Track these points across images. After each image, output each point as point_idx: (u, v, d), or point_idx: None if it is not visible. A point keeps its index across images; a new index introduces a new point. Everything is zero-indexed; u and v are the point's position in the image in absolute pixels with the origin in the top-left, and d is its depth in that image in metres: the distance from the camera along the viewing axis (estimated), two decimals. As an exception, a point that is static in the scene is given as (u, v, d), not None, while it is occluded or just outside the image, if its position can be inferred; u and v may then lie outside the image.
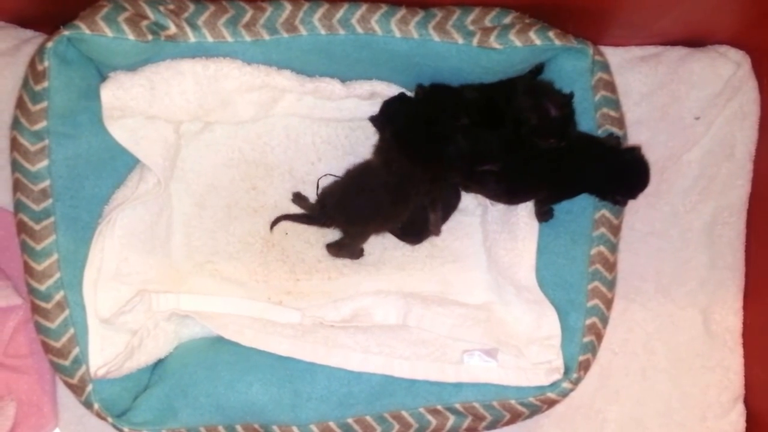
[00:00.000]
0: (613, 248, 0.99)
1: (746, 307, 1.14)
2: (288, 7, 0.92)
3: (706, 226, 1.13)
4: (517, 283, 1.02)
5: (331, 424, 0.96)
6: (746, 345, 1.13)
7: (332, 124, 1.07)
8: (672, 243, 1.13)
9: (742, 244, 1.14)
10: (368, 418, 0.97)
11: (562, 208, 1.00)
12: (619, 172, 0.96)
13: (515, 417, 0.98)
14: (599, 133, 0.98)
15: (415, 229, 1.05)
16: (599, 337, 0.98)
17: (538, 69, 0.99)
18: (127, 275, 0.97)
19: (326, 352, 0.98)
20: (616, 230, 0.99)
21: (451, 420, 0.98)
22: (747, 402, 1.14)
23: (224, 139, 1.06)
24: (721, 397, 1.12)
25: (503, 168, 0.96)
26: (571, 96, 0.94)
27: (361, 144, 1.07)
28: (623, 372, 1.12)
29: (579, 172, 0.96)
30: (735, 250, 1.13)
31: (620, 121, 0.99)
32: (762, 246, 1.12)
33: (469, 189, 1.04)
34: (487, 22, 0.95)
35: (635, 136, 1.10)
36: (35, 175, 0.88)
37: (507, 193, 0.99)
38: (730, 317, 1.13)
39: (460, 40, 0.93)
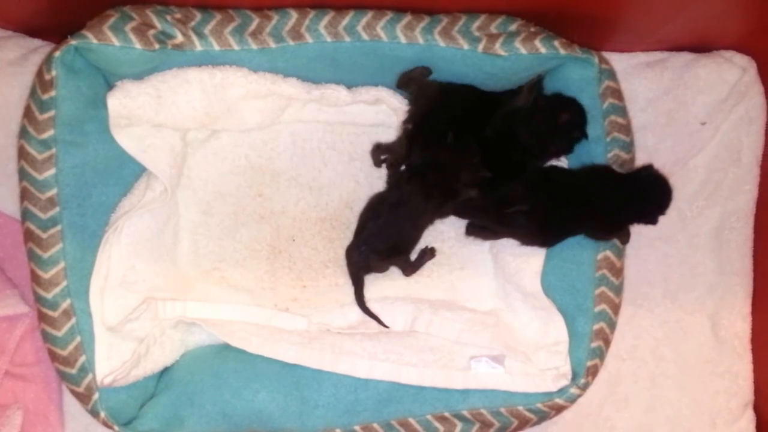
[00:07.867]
0: (620, 253, 0.99)
1: (755, 313, 1.13)
2: (294, 15, 0.93)
3: (714, 231, 1.12)
4: (523, 290, 1.02)
5: (338, 431, 0.96)
6: (755, 350, 1.13)
7: (338, 130, 1.07)
8: (679, 248, 1.12)
9: (750, 249, 1.13)
10: (375, 425, 0.96)
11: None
12: (642, 192, 0.97)
13: (523, 423, 0.98)
14: (608, 140, 0.98)
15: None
16: (607, 342, 0.98)
17: (538, 81, 0.99)
18: (133, 283, 0.97)
19: (333, 359, 0.98)
20: (623, 235, 0.99)
21: (459, 427, 0.97)
22: (757, 408, 1.13)
23: (231, 147, 1.06)
24: (730, 403, 1.12)
25: (533, 207, 0.97)
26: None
27: (366, 149, 1.07)
28: (632, 378, 1.12)
29: (607, 203, 0.97)
30: (743, 255, 1.13)
31: (627, 128, 0.99)
32: (770, 251, 1.11)
33: (499, 233, 1.03)
34: (493, 28, 0.95)
35: (641, 141, 1.10)
36: (42, 184, 0.88)
37: (540, 232, 0.99)
38: (738, 323, 1.12)
39: (466, 46, 0.93)
